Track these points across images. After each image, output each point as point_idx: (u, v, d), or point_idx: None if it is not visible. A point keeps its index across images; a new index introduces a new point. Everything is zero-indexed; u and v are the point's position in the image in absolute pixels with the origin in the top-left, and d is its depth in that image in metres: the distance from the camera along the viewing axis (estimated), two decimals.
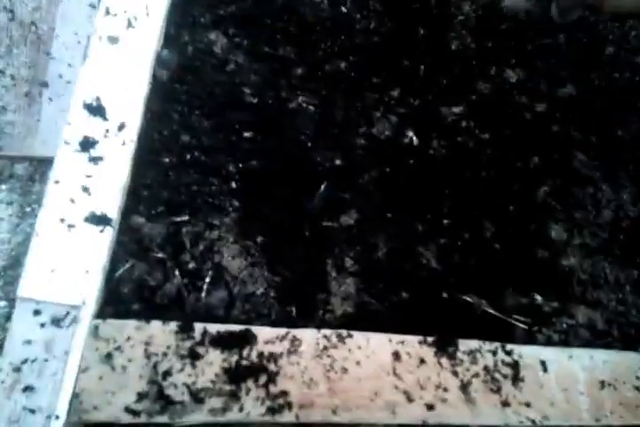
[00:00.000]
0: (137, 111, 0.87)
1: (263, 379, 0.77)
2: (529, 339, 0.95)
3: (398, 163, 1.02)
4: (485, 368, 0.87)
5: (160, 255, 0.84)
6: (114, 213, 0.80)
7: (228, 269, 0.86)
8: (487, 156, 1.07)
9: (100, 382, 0.72)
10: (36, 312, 0.73)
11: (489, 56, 1.16)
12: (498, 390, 0.86)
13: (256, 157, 0.95)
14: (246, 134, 0.96)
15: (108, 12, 0.89)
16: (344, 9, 1.11)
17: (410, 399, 0.81)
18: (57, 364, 0.71)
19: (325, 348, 0.81)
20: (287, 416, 0.76)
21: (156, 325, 0.76)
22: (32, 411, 0.69)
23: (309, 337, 0.81)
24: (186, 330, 0.77)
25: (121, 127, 0.85)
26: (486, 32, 1.16)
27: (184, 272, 0.84)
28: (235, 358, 0.77)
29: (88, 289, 0.76)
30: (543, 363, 0.90)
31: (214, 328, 0.78)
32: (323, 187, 0.96)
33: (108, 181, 0.81)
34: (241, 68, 1.00)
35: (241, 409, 0.74)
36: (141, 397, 0.72)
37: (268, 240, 0.90)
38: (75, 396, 0.70)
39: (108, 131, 0.84)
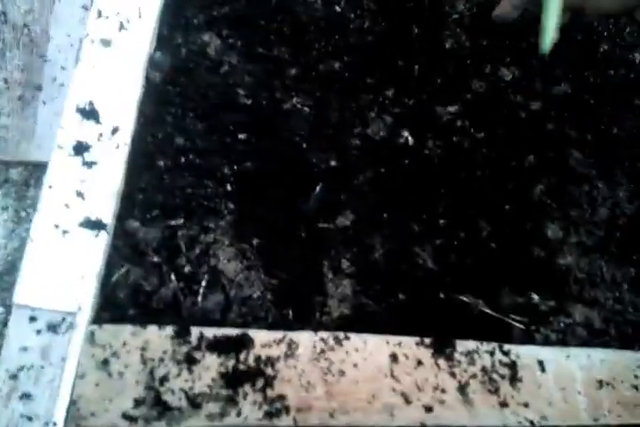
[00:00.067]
0: (130, 114, 0.87)
1: (260, 383, 0.77)
2: (526, 338, 0.95)
3: (394, 163, 1.01)
4: (483, 369, 0.87)
5: (155, 259, 0.84)
6: (109, 217, 0.80)
7: (224, 272, 0.86)
8: (482, 155, 1.07)
9: (96, 389, 0.72)
10: (32, 319, 0.73)
11: (484, 54, 1.15)
12: (496, 391, 0.86)
13: (251, 159, 0.94)
14: (241, 136, 0.95)
15: (100, 15, 0.89)
16: (338, 8, 1.10)
17: (408, 401, 0.81)
18: (54, 371, 0.71)
19: (322, 351, 0.81)
20: (285, 420, 0.76)
21: (152, 329, 0.76)
22: (29, 418, 0.69)
23: (306, 340, 0.81)
24: (182, 335, 0.77)
25: (114, 131, 0.84)
26: (481, 30, 1.16)
27: (180, 276, 0.84)
28: (232, 362, 0.77)
29: (84, 295, 0.75)
30: (541, 363, 0.90)
31: (211, 332, 0.78)
32: (318, 188, 0.95)
33: (103, 185, 0.81)
34: (235, 69, 0.99)
35: (239, 414, 0.74)
36: (138, 403, 0.72)
37: (263, 242, 0.89)
38: (72, 403, 0.70)
39: (101, 135, 0.83)
